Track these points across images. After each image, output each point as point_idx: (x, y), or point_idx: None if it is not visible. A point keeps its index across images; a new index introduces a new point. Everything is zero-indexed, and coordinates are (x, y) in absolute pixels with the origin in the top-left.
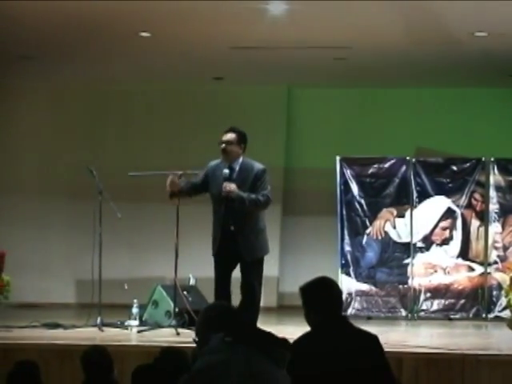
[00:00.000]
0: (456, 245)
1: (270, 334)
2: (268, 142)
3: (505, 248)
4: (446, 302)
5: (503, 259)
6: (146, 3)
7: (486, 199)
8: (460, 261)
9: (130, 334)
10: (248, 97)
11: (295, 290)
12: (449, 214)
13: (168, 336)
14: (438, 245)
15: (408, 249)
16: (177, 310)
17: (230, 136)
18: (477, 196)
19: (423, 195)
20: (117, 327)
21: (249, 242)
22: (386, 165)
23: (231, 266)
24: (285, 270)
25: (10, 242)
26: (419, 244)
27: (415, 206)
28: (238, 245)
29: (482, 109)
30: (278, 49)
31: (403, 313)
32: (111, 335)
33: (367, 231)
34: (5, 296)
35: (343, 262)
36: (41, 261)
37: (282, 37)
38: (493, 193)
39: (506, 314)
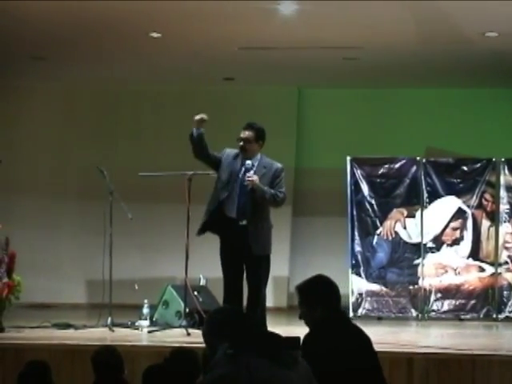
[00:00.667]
0: (466, 245)
1: (277, 337)
2: (278, 143)
3: None
4: (457, 303)
5: None
6: (156, 4)
7: (496, 199)
8: (470, 261)
9: (141, 334)
10: (258, 97)
11: None
12: (459, 214)
13: (178, 336)
14: (448, 245)
15: (418, 249)
16: (187, 310)
17: (249, 134)
18: (487, 196)
19: (433, 195)
20: (127, 327)
21: (260, 236)
22: (397, 165)
23: (241, 261)
24: (295, 271)
25: (21, 242)
26: (430, 244)
27: (425, 207)
28: (248, 239)
29: (493, 109)
30: (289, 49)
31: (414, 313)
32: (122, 335)
33: (377, 231)
34: (16, 296)
35: (353, 262)
36: (52, 261)
37: (292, 37)
38: (503, 193)
39: None
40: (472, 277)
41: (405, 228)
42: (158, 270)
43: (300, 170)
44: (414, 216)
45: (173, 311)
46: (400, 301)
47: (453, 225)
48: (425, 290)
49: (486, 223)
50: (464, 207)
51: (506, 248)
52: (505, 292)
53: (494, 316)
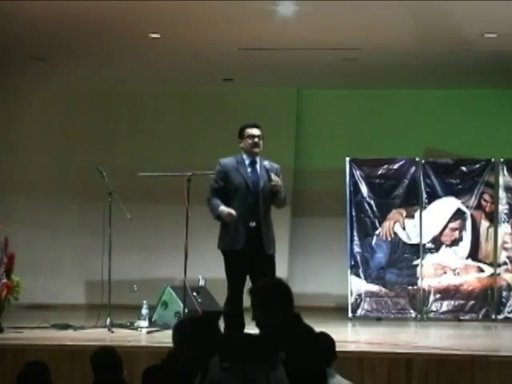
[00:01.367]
0: (465, 246)
1: (261, 339)
2: (277, 143)
3: None
4: (456, 303)
5: None
6: (156, 4)
7: (495, 200)
8: (469, 262)
9: (140, 334)
10: (258, 98)
11: (304, 290)
12: (458, 215)
13: None
14: (447, 246)
15: (417, 250)
16: (186, 310)
17: (260, 131)
18: (486, 197)
19: (432, 196)
20: (126, 328)
21: (270, 235)
22: (396, 166)
23: (250, 262)
24: (294, 271)
25: (20, 243)
26: (428, 245)
27: (424, 207)
28: (261, 238)
29: (492, 110)
30: (288, 50)
31: (413, 314)
32: (121, 336)
33: (376, 232)
34: (15, 297)
35: (353, 263)
36: (51, 262)
37: (291, 38)
38: (502, 194)
39: None
40: (471, 277)
41: (404, 229)
42: (156, 271)
43: (299, 171)
44: (413, 217)
45: (172, 312)
46: (399, 301)
47: (452, 225)
48: (424, 290)
49: (484, 224)
50: (463, 208)
51: (505, 249)
52: (504, 292)
53: (493, 317)
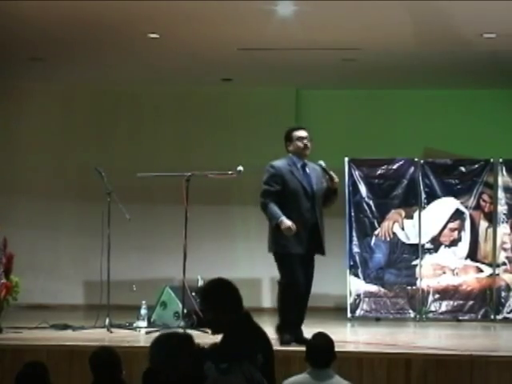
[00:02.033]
0: (464, 246)
1: (248, 342)
2: (276, 144)
3: None
4: (455, 304)
5: None
6: (155, 5)
7: (494, 200)
8: (468, 262)
9: (139, 335)
10: (256, 98)
11: None
12: (457, 215)
13: None
14: (446, 246)
15: (416, 250)
16: (185, 311)
17: (307, 133)
18: (485, 197)
19: (431, 196)
20: (125, 328)
21: (323, 236)
22: (395, 166)
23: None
24: None
25: (19, 243)
26: (427, 245)
27: (423, 208)
28: (320, 239)
29: (491, 110)
30: (287, 50)
31: (411, 314)
32: (120, 336)
33: (375, 232)
34: (14, 297)
35: (351, 263)
36: (49, 262)
37: (290, 38)
38: (501, 194)
39: None
40: (470, 278)
41: (403, 229)
42: (155, 271)
43: None
44: (411, 217)
45: (171, 312)
46: (398, 302)
47: (451, 226)
48: (423, 290)
49: (483, 224)
50: (462, 208)
51: (504, 249)
52: (503, 293)
53: (492, 317)
